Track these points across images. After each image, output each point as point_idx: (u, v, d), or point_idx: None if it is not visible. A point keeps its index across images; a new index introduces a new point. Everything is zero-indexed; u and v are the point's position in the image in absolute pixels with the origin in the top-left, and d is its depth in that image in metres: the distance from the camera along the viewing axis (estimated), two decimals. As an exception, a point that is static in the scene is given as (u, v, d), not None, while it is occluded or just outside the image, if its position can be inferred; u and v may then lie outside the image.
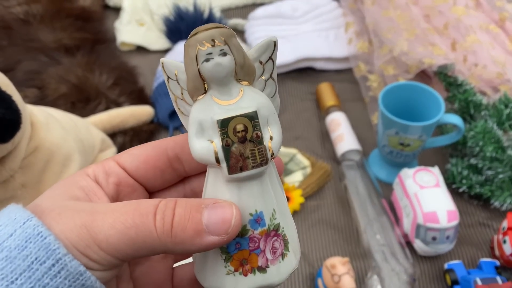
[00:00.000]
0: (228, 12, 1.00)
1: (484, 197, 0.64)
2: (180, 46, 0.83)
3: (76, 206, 0.21)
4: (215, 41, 0.21)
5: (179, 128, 0.76)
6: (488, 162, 0.62)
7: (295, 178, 0.69)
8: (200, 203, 0.21)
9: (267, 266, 0.23)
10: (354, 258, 0.61)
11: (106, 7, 1.00)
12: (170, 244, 0.20)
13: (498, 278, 0.54)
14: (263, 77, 0.24)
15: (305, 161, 0.71)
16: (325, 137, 0.76)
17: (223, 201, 0.22)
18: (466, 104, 0.67)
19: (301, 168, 0.70)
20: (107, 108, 0.72)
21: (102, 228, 0.20)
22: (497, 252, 0.58)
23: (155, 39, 0.91)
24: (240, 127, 0.22)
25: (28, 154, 0.49)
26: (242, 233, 0.23)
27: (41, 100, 0.71)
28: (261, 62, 0.24)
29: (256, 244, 0.23)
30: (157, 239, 0.20)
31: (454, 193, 0.66)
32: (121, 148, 0.70)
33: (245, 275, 0.23)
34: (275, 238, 0.23)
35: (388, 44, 0.76)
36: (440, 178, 0.60)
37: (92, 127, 0.64)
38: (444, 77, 0.70)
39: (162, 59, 0.23)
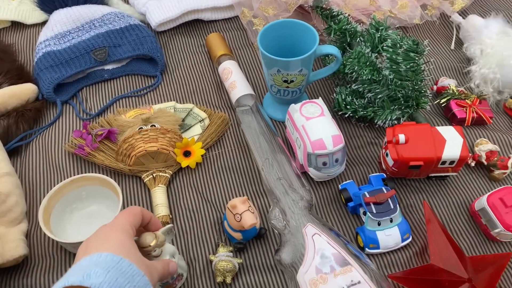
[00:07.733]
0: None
1: (369, 118, 0.68)
2: (56, 15, 0.78)
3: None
4: None
5: (68, 101, 0.73)
6: (367, 85, 0.65)
7: (194, 132, 0.70)
8: None
9: None
10: (258, 196, 0.64)
11: (-30, -16, 0.91)
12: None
13: (384, 189, 0.59)
14: None
15: (202, 114, 0.72)
16: (220, 87, 0.77)
17: None
18: (343, 34, 0.70)
19: (198, 121, 0.71)
20: (-16, 92, 0.67)
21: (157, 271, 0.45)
22: (384, 166, 0.64)
23: (30, 12, 0.85)
24: None
25: None
26: None
27: None
28: None
29: None
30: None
31: (343, 119, 0.70)
32: (6, 132, 0.66)
33: None
34: None
35: (267, -15, 0.77)
36: (324, 107, 0.63)
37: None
38: (320, 11, 0.72)
39: None
